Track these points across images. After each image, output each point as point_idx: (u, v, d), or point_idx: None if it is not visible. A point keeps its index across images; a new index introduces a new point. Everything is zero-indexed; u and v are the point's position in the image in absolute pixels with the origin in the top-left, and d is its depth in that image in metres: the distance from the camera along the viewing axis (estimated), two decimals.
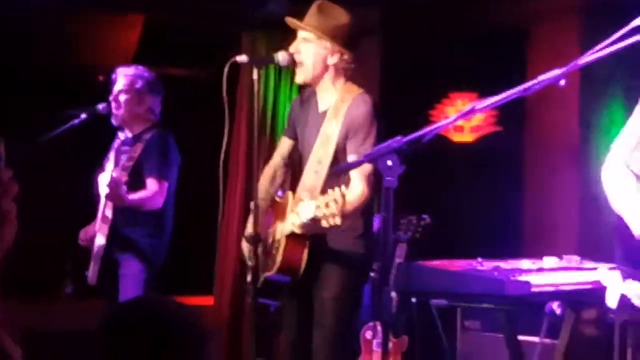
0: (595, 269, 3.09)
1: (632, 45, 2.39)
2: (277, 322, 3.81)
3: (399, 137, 2.58)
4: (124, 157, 4.44)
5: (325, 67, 3.61)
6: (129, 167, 4.27)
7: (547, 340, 3.68)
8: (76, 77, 6.68)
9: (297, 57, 3.59)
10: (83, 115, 4.57)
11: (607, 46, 2.39)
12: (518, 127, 6.34)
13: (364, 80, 3.82)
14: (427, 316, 4.19)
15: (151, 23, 6.53)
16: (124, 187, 4.19)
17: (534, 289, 2.94)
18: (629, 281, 2.71)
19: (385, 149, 2.58)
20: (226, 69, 3.43)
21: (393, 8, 6.03)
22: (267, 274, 3.56)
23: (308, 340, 3.58)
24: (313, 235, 3.44)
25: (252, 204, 3.47)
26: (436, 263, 3.17)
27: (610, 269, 2.86)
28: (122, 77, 4.52)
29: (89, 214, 4.54)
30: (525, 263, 3.22)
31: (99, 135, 4.66)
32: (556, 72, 2.43)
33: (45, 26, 6.23)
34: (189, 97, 6.73)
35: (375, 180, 3.43)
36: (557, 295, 3.15)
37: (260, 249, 3.45)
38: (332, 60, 3.59)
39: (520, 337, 3.73)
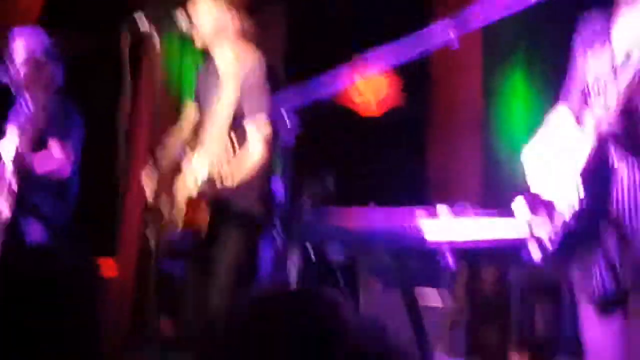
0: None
1: (534, 9, 2.43)
2: (180, 283, 3.88)
3: (296, 97, 2.63)
4: (27, 126, 4.41)
5: (223, 30, 3.65)
6: (32, 138, 4.26)
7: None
8: None
9: (194, 21, 3.61)
10: None
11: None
12: (423, 93, 6.43)
13: (268, 43, 3.85)
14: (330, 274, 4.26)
15: None
16: (31, 161, 4.18)
17: (429, 241, 3.02)
18: (533, 218, 2.55)
19: (283, 109, 2.63)
20: (127, 37, 3.43)
21: None
22: (170, 235, 3.61)
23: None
24: (214, 196, 3.49)
25: (152, 171, 3.53)
26: (333, 216, 3.24)
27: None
28: (22, 44, 4.46)
29: None
30: (419, 212, 3.27)
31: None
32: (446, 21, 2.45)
33: None
34: (92, 62, 6.64)
35: (272, 141, 3.50)
36: (452, 248, 3.21)
37: (162, 215, 3.52)
38: (230, 23, 3.64)
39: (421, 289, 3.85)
